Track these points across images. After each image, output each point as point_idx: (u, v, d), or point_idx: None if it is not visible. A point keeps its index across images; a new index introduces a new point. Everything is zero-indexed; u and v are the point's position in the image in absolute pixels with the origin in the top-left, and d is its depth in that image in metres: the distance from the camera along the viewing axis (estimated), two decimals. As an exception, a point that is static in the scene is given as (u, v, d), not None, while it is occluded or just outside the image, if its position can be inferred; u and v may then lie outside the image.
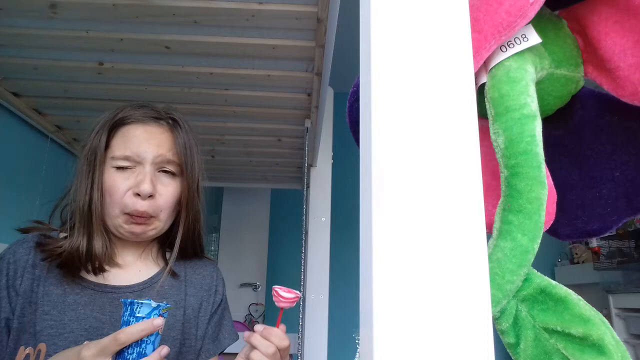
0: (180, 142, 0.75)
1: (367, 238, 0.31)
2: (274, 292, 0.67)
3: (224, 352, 0.82)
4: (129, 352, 0.55)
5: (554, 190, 0.52)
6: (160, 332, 0.58)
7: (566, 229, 0.62)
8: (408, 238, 0.30)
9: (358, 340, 0.35)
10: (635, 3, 0.49)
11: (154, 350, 0.57)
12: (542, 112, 0.52)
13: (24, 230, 0.76)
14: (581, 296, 0.46)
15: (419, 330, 0.28)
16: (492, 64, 0.52)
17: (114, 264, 0.74)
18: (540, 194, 0.46)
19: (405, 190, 0.31)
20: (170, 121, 0.77)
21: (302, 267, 1.85)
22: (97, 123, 0.75)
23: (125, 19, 1.22)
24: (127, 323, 0.56)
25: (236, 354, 0.68)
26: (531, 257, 0.46)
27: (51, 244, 0.70)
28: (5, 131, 1.69)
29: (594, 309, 0.45)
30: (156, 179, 0.72)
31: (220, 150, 2.12)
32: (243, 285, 3.05)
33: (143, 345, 0.56)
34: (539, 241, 0.46)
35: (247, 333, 0.66)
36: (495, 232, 0.48)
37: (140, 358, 0.55)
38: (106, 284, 0.72)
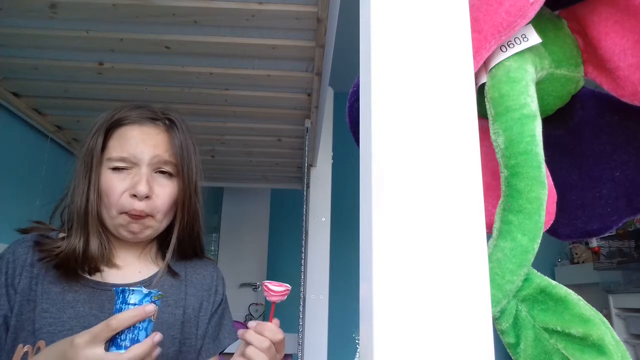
0: (177, 142, 0.75)
1: (367, 238, 0.31)
2: (264, 287, 0.67)
3: (224, 352, 0.82)
4: (122, 338, 0.55)
5: (554, 190, 0.52)
6: (153, 320, 0.59)
7: (566, 229, 0.62)
8: (408, 238, 0.30)
9: (358, 340, 0.35)
10: (635, 3, 0.49)
11: (146, 337, 0.57)
12: (542, 112, 0.52)
13: (24, 231, 0.76)
14: (581, 296, 0.46)
15: (419, 330, 0.28)
16: (492, 64, 0.52)
17: (112, 265, 0.75)
18: (540, 194, 0.46)
19: (405, 190, 0.31)
20: (167, 122, 0.77)
21: (302, 267, 1.85)
22: (95, 124, 0.75)
23: (125, 19, 1.22)
24: (120, 310, 0.57)
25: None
26: (531, 257, 0.46)
27: (49, 244, 0.71)
28: (5, 131, 1.69)
29: (594, 309, 0.45)
30: (153, 179, 0.73)
31: (220, 150, 2.12)
32: (243, 285, 3.05)
33: (136, 332, 0.56)
34: (539, 241, 0.46)
35: (241, 330, 0.66)
36: (495, 232, 0.48)
37: (133, 344, 0.55)
38: (105, 282, 0.72)
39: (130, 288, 0.58)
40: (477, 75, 0.54)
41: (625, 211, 0.58)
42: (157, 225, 0.74)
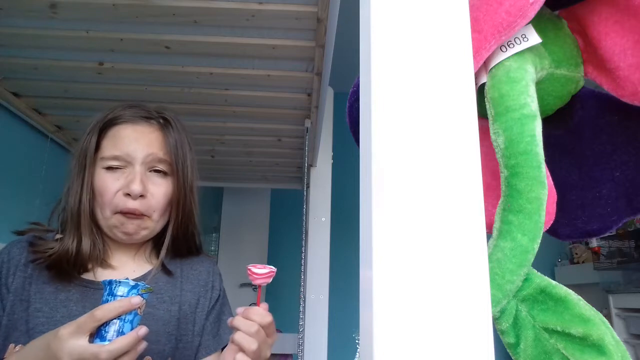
0: (171, 140, 0.75)
1: (367, 238, 0.31)
2: (248, 272, 0.66)
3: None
4: (106, 330, 0.55)
5: (554, 190, 0.52)
6: (140, 313, 0.58)
7: (566, 229, 0.62)
8: (408, 238, 0.30)
9: (358, 340, 0.35)
10: (635, 3, 0.49)
11: (132, 329, 0.57)
12: (542, 112, 0.52)
13: (20, 233, 0.76)
14: (581, 296, 0.46)
15: (419, 330, 0.28)
16: (492, 64, 0.52)
17: (107, 265, 0.74)
18: (540, 194, 0.46)
19: (405, 190, 0.31)
20: (161, 120, 0.77)
21: (302, 267, 1.85)
22: (89, 124, 0.75)
23: (125, 19, 1.22)
24: (106, 302, 0.57)
25: None
26: (531, 257, 0.46)
27: (42, 245, 0.71)
28: (5, 131, 1.69)
29: (594, 309, 0.45)
30: (147, 178, 0.72)
31: (220, 150, 2.12)
32: (243, 285, 3.05)
33: (121, 324, 0.56)
34: (539, 241, 0.46)
35: (230, 318, 0.65)
36: (495, 232, 0.48)
37: (118, 337, 0.55)
38: (99, 282, 0.72)
39: (118, 280, 0.57)
40: (477, 75, 0.54)
41: (625, 211, 0.58)
42: (153, 225, 0.74)
